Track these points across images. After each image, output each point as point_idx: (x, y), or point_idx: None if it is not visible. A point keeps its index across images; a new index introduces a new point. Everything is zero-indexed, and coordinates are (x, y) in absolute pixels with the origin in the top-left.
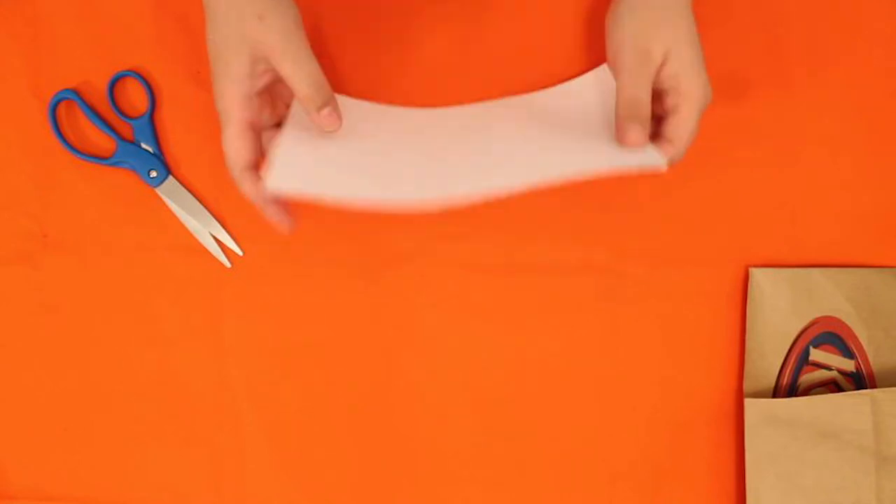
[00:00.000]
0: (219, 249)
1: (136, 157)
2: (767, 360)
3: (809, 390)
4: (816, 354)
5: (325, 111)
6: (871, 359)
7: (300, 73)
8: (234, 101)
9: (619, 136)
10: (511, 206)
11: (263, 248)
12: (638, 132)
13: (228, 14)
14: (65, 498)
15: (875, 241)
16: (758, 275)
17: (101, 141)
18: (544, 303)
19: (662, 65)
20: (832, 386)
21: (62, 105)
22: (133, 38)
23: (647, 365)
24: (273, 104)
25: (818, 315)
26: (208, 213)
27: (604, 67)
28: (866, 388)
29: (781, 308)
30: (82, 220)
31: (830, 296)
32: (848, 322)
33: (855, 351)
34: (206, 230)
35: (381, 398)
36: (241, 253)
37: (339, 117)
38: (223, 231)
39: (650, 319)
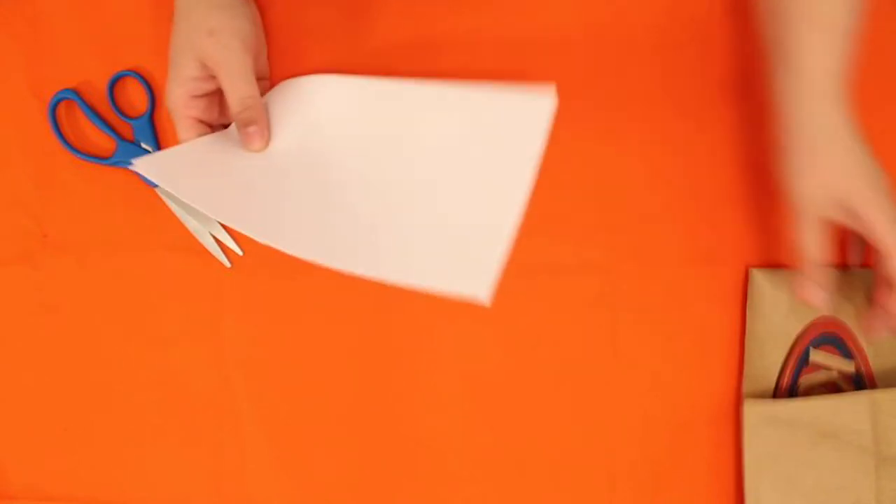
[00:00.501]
0: (219, 249)
1: (137, 157)
2: (767, 360)
3: (809, 391)
4: (816, 355)
5: (249, 129)
6: (870, 360)
7: (233, 91)
8: (178, 100)
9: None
10: None
11: (263, 248)
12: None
13: (188, 24)
14: (65, 498)
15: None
16: (758, 276)
17: (101, 141)
18: (543, 303)
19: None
20: (832, 387)
21: (62, 105)
22: (133, 38)
23: (647, 365)
24: (223, 106)
25: (818, 316)
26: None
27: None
28: (866, 389)
29: (781, 309)
30: (82, 220)
31: (833, 297)
32: (848, 323)
33: (855, 352)
34: (206, 230)
35: (380, 398)
36: (241, 253)
37: (263, 139)
38: (223, 231)
39: (650, 320)
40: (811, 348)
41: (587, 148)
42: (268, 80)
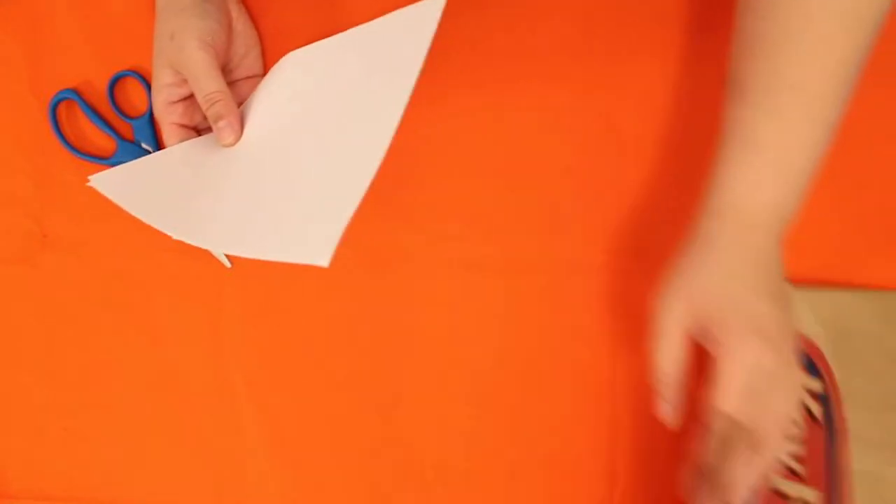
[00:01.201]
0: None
1: (136, 157)
2: None
3: None
4: None
5: (219, 125)
6: (838, 381)
7: (198, 90)
8: (159, 107)
9: None
10: (511, 206)
11: None
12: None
13: (157, 31)
14: (65, 498)
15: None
16: None
17: (101, 141)
18: (543, 302)
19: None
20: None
21: (62, 105)
22: (133, 38)
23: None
24: None
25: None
26: None
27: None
28: (833, 409)
29: None
30: (82, 220)
31: (803, 315)
32: (818, 343)
33: (823, 372)
34: None
35: (380, 397)
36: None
37: (234, 133)
38: None
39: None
40: None
41: (590, 139)
42: (261, 77)
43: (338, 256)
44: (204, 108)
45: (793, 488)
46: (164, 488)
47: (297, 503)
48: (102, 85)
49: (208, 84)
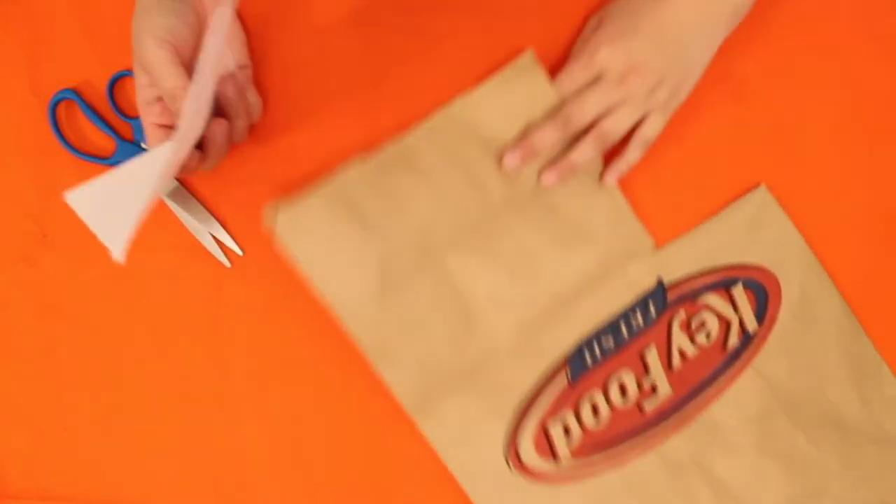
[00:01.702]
0: (219, 249)
1: (136, 157)
2: None
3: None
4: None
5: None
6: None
7: (161, 88)
8: (140, 108)
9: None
10: None
11: (263, 248)
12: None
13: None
14: (65, 498)
15: (872, 242)
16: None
17: (101, 141)
18: None
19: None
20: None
21: (62, 105)
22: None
23: None
24: None
25: (759, 262)
26: (208, 213)
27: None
28: (746, 351)
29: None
30: (82, 220)
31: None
32: (781, 284)
33: (767, 319)
34: (206, 230)
35: (380, 397)
36: (241, 253)
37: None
38: (223, 231)
39: None
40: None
41: None
42: (249, 68)
43: None
44: (169, 105)
45: (657, 373)
46: (164, 488)
47: (296, 503)
48: (102, 85)
49: (166, 80)
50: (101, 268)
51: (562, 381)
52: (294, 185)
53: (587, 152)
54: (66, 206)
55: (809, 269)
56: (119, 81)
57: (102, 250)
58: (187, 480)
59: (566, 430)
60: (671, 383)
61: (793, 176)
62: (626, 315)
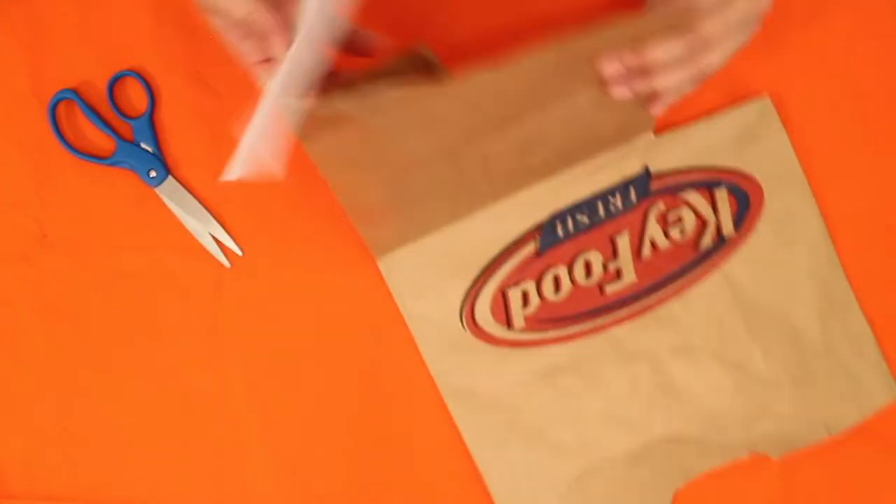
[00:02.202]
0: (218, 249)
1: (136, 157)
2: None
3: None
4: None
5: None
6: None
7: (236, 20)
8: (240, 59)
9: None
10: None
11: (263, 248)
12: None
13: None
14: (65, 498)
15: (872, 243)
16: None
17: (101, 141)
18: None
19: None
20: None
21: (62, 105)
22: (133, 38)
23: None
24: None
25: (749, 171)
26: (208, 213)
27: None
28: (717, 253)
29: None
30: (82, 220)
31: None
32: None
33: (745, 226)
34: (205, 230)
35: (381, 397)
36: (240, 253)
37: (282, 45)
38: (223, 231)
39: None
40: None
41: None
42: None
43: (338, 256)
44: (255, 35)
45: (625, 259)
46: (164, 488)
47: (296, 503)
48: (102, 85)
49: (242, 8)
50: (101, 268)
51: (529, 250)
52: (294, 185)
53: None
54: (66, 206)
55: (798, 190)
56: (119, 81)
57: (102, 250)
58: (187, 480)
59: (524, 298)
60: (637, 271)
61: None
62: (606, 195)
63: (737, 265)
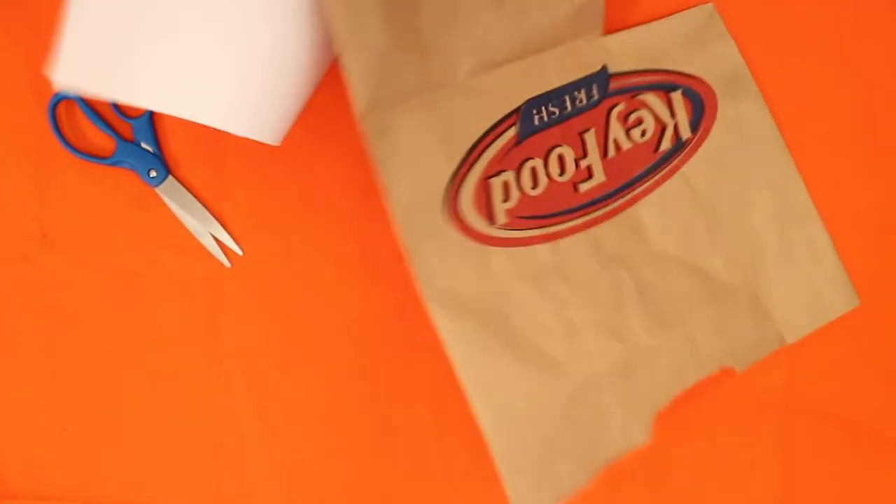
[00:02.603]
0: (218, 249)
1: (136, 157)
2: None
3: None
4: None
5: None
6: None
7: None
8: None
9: None
10: None
11: (263, 248)
12: None
13: None
14: (65, 498)
15: (873, 241)
16: None
17: (101, 141)
18: None
19: None
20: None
21: (62, 105)
22: None
23: None
24: None
25: (701, 75)
26: (208, 213)
27: None
28: (673, 159)
29: None
30: (82, 220)
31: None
32: (716, 93)
33: (701, 131)
34: (205, 230)
35: (382, 397)
36: (241, 253)
37: None
38: (223, 231)
39: None
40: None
41: None
42: None
43: (338, 255)
44: None
45: (594, 157)
46: (164, 488)
47: (296, 503)
48: None
49: None
50: (101, 268)
51: (510, 137)
52: (294, 185)
53: None
54: (66, 206)
55: (750, 97)
56: None
57: (102, 250)
58: (187, 481)
59: (506, 190)
60: (605, 171)
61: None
62: (572, 89)
63: (696, 165)
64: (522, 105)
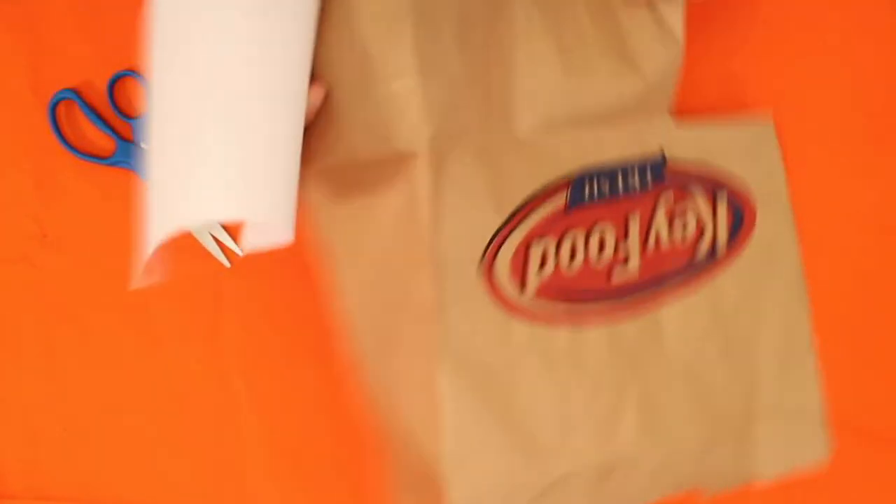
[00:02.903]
0: (218, 249)
1: (136, 157)
2: None
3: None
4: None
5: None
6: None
7: None
8: None
9: None
10: None
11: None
12: None
13: None
14: (65, 498)
15: (874, 240)
16: None
17: (101, 141)
18: None
19: None
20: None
21: (62, 105)
22: (133, 37)
23: None
24: None
25: (746, 186)
26: None
27: None
28: (710, 258)
29: None
30: (82, 220)
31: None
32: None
33: (738, 239)
34: (206, 230)
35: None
36: (241, 253)
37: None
38: (223, 231)
39: None
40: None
41: None
42: None
43: None
44: None
45: (633, 243)
46: (164, 488)
47: (296, 503)
48: (102, 85)
49: None
50: (101, 268)
51: (559, 203)
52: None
53: None
54: (66, 206)
55: (784, 221)
56: (119, 81)
57: (102, 250)
58: (187, 480)
59: (543, 259)
60: (640, 265)
61: (793, 175)
62: (626, 169)
63: (724, 283)
64: (576, 173)
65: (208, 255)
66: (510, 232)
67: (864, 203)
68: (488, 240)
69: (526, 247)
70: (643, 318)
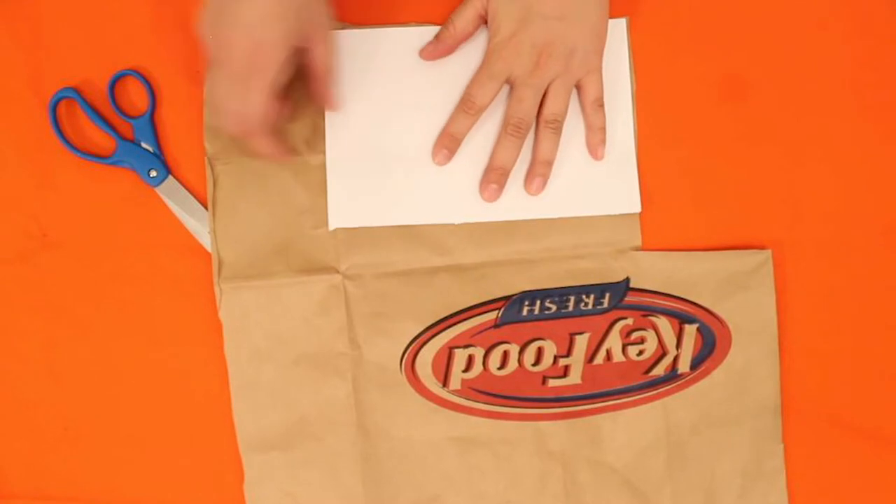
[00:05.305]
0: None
1: (136, 157)
2: None
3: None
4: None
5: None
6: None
7: None
8: None
9: None
10: None
11: None
12: None
13: None
14: (65, 498)
15: (872, 241)
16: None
17: (101, 140)
18: None
19: None
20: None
21: (62, 104)
22: (133, 37)
23: None
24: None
25: (726, 318)
26: (208, 213)
27: None
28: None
29: None
30: (82, 220)
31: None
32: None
33: (705, 366)
34: (205, 230)
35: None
36: None
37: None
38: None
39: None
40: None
41: None
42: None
43: None
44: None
45: (576, 359)
46: (164, 488)
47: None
48: (103, 84)
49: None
50: (101, 268)
51: (489, 318)
52: None
53: (551, 143)
54: (66, 206)
55: (767, 351)
56: (119, 81)
57: (102, 250)
58: (187, 481)
59: (469, 362)
60: (583, 375)
61: (793, 174)
62: (581, 293)
63: (680, 403)
64: (514, 296)
65: (208, 254)
66: (429, 339)
67: (864, 203)
68: (406, 344)
69: (448, 351)
70: (580, 422)
